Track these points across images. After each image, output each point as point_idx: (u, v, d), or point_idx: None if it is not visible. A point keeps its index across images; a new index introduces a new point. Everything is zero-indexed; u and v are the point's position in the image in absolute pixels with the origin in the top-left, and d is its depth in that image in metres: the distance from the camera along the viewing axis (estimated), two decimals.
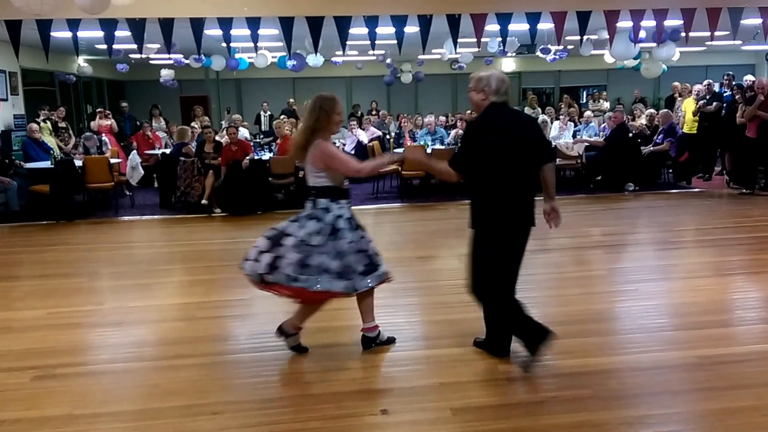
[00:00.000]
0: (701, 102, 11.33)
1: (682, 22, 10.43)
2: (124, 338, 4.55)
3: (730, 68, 13.92)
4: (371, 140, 12.74)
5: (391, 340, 4.23)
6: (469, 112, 14.88)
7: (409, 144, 10.84)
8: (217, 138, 10.53)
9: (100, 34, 9.60)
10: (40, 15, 6.79)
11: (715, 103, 11.15)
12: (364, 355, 4.07)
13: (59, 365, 4.05)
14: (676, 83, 13.88)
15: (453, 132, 12.30)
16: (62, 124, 12.18)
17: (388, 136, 14.32)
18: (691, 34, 10.55)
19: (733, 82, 11.45)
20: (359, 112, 16.80)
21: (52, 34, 9.26)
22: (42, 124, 11.34)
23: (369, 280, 3.93)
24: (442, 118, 13.73)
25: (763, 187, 10.11)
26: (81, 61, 16.71)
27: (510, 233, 3.78)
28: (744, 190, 10.11)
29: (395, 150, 11.72)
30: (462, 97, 21.90)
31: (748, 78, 10.96)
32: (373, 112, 16.84)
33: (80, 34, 9.59)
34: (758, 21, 10.84)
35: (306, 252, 3.78)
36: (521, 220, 3.82)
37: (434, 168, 4.08)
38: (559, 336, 4.15)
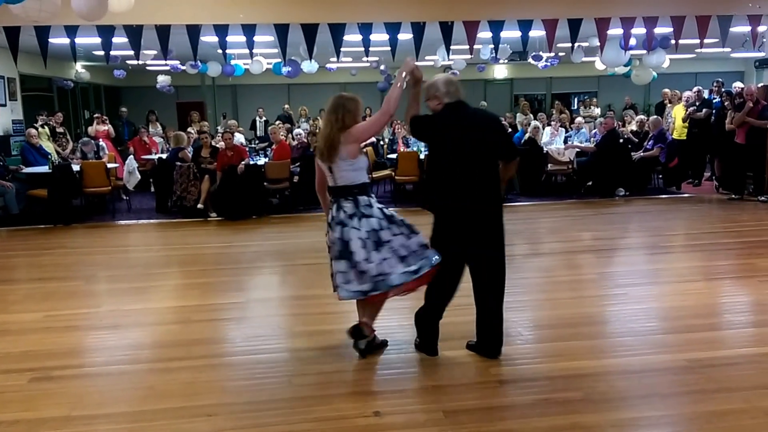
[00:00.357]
0: (691, 108, 11.43)
1: (672, 29, 10.54)
2: (120, 341, 4.58)
3: (720, 75, 14.07)
4: (365, 145, 12.78)
5: (383, 344, 4.25)
6: None
7: (402, 150, 10.90)
8: (213, 143, 10.58)
9: (97, 40, 9.65)
10: (38, 21, 6.83)
11: (704, 110, 11.26)
12: (356, 357, 4.09)
13: (56, 367, 4.08)
14: (666, 90, 14.02)
15: None
16: (60, 130, 12.21)
17: (381, 142, 14.38)
18: (680, 41, 10.67)
19: (723, 89, 11.56)
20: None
21: (50, 40, 9.31)
22: (40, 129, 11.37)
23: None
24: None
25: (751, 192, 10.20)
26: (79, 67, 16.74)
27: (451, 228, 3.90)
28: (733, 196, 10.20)
29: (389, 156, 11.79)
30: None
31: (737, 85, 11.08)
32: (368, 118, 16.88)
33: (78, 40, 9.64)
34: (747, 29, 10.96)
35: (391, 248, 3.81)
36: (466, 217, 3.85)
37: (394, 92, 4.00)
38: (550, 339, 4.22)
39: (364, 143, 3.95)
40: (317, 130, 14.35)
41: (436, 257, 3.87)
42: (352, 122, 3.86)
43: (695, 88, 11.89)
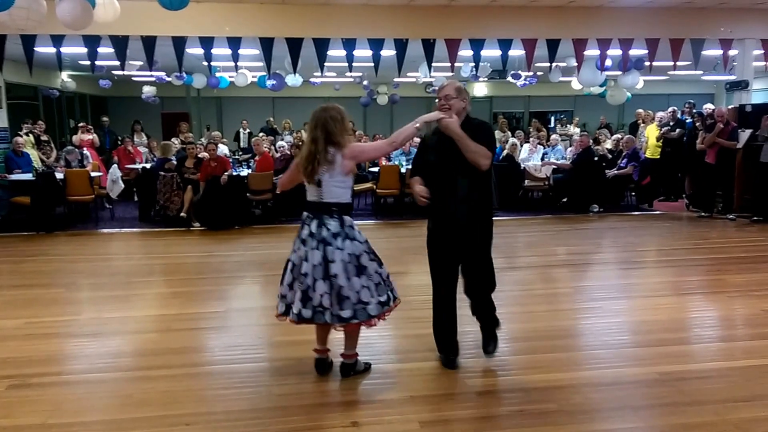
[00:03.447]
0: (665, 128, 11.65)
1: (646, 51, 10.84)
2: (100, 349, 4.58)
3: (691, 97, 14.38)
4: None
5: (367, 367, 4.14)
6: None
7: (384, 163, 10.98)
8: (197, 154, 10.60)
9: (83, 50, 9.68)
10: (24, 30, 6.86)
11: (678, 130, 11.48)
12: (336, 368, 4.10)
13: (35, 375, 4.07)
14: (640, 110, 14.29)
15: None
16: (44, 138, 12.18)
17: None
18: (654, 63, 10.97)
19: (694, 111, 11.80)
20: None
21: (36, 49, 9.33)
22: (25, 137, 11.34)
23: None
24: (417, 140, 13.91)
25: (720, 210, 10.41)
26: (64, 76, 16.73)
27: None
28: (703, 214, 10.42)
29: (370, 169, 11.86)
30: None
31: (708, 106, 11.34)
32: (368, 141, 16.99)
33: (64, 49, 9.67)
34: (719, 52, 11.28)
35: (369, 275, 3.74)
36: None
37: (468, 143, 3.80)
38: (525, 351, 4.27)
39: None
40: (300, 143, 14.41)
41: (395, 296, 3.90)
42: (343, 131, 3.73)
43: (670, 109, 12.13)
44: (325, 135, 3.69)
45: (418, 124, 3.88)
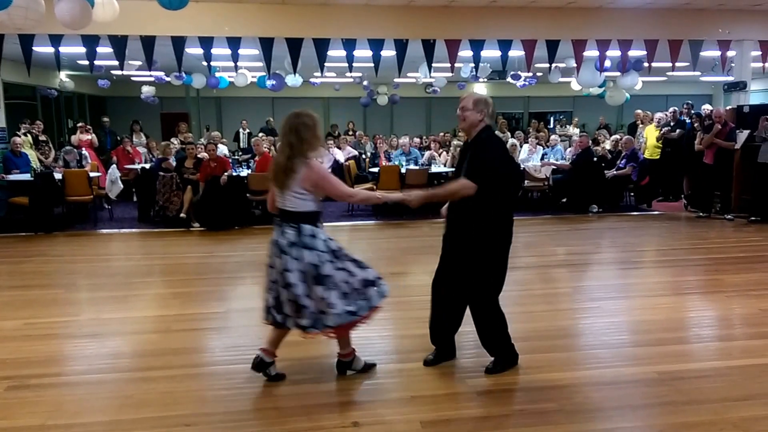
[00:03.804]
0: (665, 129, 11.67)
1: (645, 52, 10.87)
2: (99, 349, 4.58)
3: (689, 98, 14.42)
4: (347, 159, 12.90)
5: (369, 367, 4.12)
6: (442, 134, 15.15)
7: (384, 164, 11.00)
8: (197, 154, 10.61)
9: (82, 49, 9.68)
10: (23, 29, 6.86)
11: (678, 130, 11.50)
12: (335, 368, 4.11)
13: (34, 376, 4.07)
14: (639, 111, 14.30)
15: (427, 153, 12.50)
16: (42, 138, 12.17)
17: (364, 156, 14.49)
18: (653, 64, 11.02)
19: (692, 111, 11.83)
20: (336, 132, 16.96)
21: (34, 48, 9.32)
22: (23, 137, 11.34)
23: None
24: (417, 140, 13.97)
25: (718, 211, 10.43)
26: (63, 76, 16.72)
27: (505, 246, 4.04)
28: (701, 214, 10.43)
29: (370, 170, 11.89)
30: (436, 120, 22.29)
31: (706, 107, 11.37)
32: (350, 133, 17.02)
33: (62, 49, 9.66)
34: (716, 53, 11.31)
35: (334, 283, 3.66)
36: (510, 229, 4.04)
37: (443, 194, 3.95)
38: (525, 351, 4.28)
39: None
40: None
41: (378, 297, 3.81)
42: (313, 138, 3.69)
43: (671, 109, 12.15)
44: (297, 142, 3.65)
45: (380, 197, 4.12)
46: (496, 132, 15.20)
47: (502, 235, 3.95)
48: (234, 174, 9.95)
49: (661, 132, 11.73)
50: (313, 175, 3.66)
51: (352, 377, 4.02)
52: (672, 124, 11.72)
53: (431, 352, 4.25)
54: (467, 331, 4.40)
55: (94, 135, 13.22)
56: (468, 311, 4.13)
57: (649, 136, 12.06)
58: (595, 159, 11.53)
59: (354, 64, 10.39)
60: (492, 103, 4.01)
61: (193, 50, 10.45)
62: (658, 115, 12.30)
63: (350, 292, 3.72)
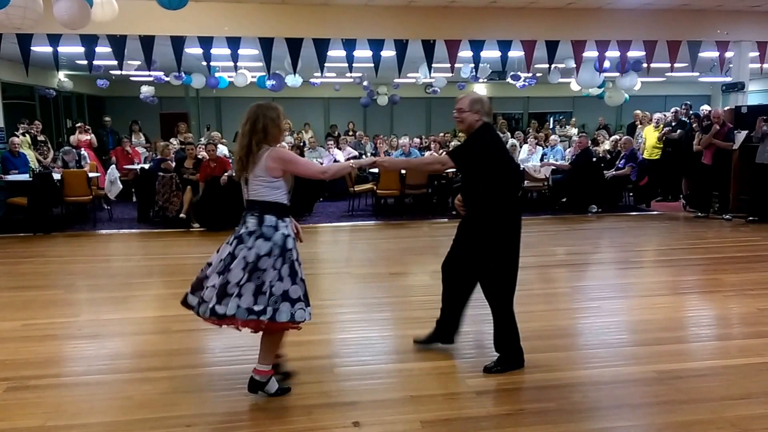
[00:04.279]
0: (666, 129, 11.69)
1: (644, 53, 10.88)
2: (98, 350, 4.58)
3: (688, 98, 14.43)
4: (347, 160, 12.89)
5: (285, 390, 3.80)
6: (442, 134, 15.17)
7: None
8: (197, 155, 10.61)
9: (80, 49, 9.66)
10: (21, 29, 6.84)
11: (679, 131, 11.51)
12: (337, 368, 4.14)
13: (33, 377, 4.06)
14: (638, 111, 14.35)
15: (427, 153, 12.51)
16: (41, 138, 12.17)
17: (364, 156, 14.49)
18: (652, 65, 11.05)
19: (690, 112, 11.85)
20: (336, 133, 16.97)
21: (32, 48, 9.30)
22: (21, 137, 11.33)
23: (309, 311, 3.62)
24: (417, 140, 13.99)
25: (716, 211, 10.45)
26: (61, 75, 16.70)
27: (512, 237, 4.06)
28: (699, 214, 10.46)
29: (371, 170, 11.89)
30: (435, 120, 22.30)
31: (705, 108, 11.38)
32: (350, 133, 17.03)
33: (61, 49, 9.65)
34: (715, 54, 11.34)
35: (258, 277, 3.48)
36: (516, 228, 4.05)
37: (415, 163, 4.34)
38: (525, 351, 4.28)
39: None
40: (301, 143, 14.43)
41: (287, 316, 3.49)
42: (276, 131, 3.65)
43: (673, 109, 12.17)
44: (255, 132, 3.62)
45: (353, 165, 4.09)
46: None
47: (508, 228, 3.99)
48: (234, 174, 9.94)
49: (663, 132, 11.74)
50: (281, 161, 3.59)
51: (351, 376, 4.02)
52: (673, 124, 11.74)
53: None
54: (467, 331, 4.42)
55: (93, 135, 13.22)
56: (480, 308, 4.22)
57: (648, 137, 12.08)
58: (594, 159, 11.55)
59: (354, 65, 10.39)
60: (488, 101, 4.08)
61: (193, 50, 10.45)
62: (657, 115, 12.33)
63: (264, 294, 3.49)
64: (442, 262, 4.29)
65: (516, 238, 4.01)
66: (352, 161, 4.12)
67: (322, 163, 12.70)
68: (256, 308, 3.47)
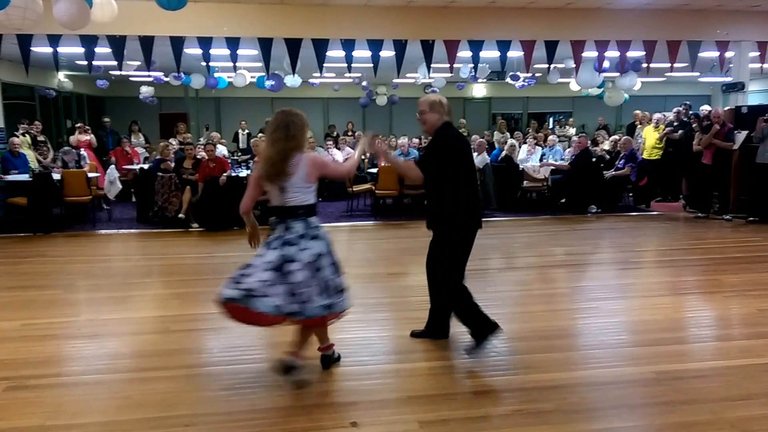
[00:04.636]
0: (668, 129, 11.68)
1: (644, 53, 10.88)
2: (98, 350, 4.58)
3: (688, 98, 14.40)
4: (346, 160, 12.90)
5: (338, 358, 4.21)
6: None
7: (382, 164, 11.00)
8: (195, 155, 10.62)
9: (80, 49, 9.66)
10: (21, 29, 6.84)
11: (680, 131, 11.51)
12: (335, 368, 4.14)
13: (32, 376, 4.07)
14: (638, 111, 14.32)
15: None
16: (41, 138, 12.18)
17: (363, 157, 14.49)
18: (652, 65, 11.05)
19: (690, 112, 11.84)
20: (335, 133, 16.97)
21: (32, 48, 9.30)
22: (21, 137, 11.34)
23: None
24: (416, 140, 14.00)
25: (716, 211, 10.44)
26: (61, 76, 16.71)
27: (462, 232, 4.28)
28: (699, 214, 10.45)
29: (369, 170, 11.92)
30: None
31: (705, 108, 11.37)
32: (349, 133, 17.03)
33: (61, 49, 9.65)
34: (715, 54, 11.33)
35: (321, 275, 3.71)
36: (473, 221, 4.30)
37: (397, 163, 4.57)
38: (523, 351, 4.29)
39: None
40: None
41: (344, 305, 3.85)
42: (304, 137, 3.79)
43: (675, 109, 12.14)
44: (289, 139, 3.70)
45: (356, 158, 4.18)
46: (496, 132, 15.18)
47: (463, 221, 4.23)
48: (233, 174, 9.95)
49: (664, 132, 11.73)
50: (317, 164, 3.79)
51: (350, 377, 4.02)
52: (675, 124, 11.73)
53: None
54: (464, 332, 4.41)
55: (92, 135, 13.23)
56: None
57: (648, 137, 12.06)
58: (593, 159, 11.55)
59: (353, 65, 10.40)
60: (447, 102, 4.36)
61: (192, 50, 10.45)
62: (657, 115, 12.31)
63: (328, 289, 3.75)
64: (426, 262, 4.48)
65: (469, 232, 4.26)
66: (355, 155, 4.19)
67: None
68: (326, 303, 3.72)
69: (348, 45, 10.05)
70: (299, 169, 3.70)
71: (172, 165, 9.96)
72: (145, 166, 11.21)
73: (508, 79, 15.56)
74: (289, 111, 3.79)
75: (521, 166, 11.58)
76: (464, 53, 10.93)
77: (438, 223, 4.29)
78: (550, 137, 13.54)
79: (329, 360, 4.11)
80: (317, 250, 3.73)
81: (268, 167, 3.75)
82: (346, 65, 10.37)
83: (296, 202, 3.74)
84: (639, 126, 13.51)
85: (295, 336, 3.93)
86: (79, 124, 14.01)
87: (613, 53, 11.08)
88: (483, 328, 4.23)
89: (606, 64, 11.41)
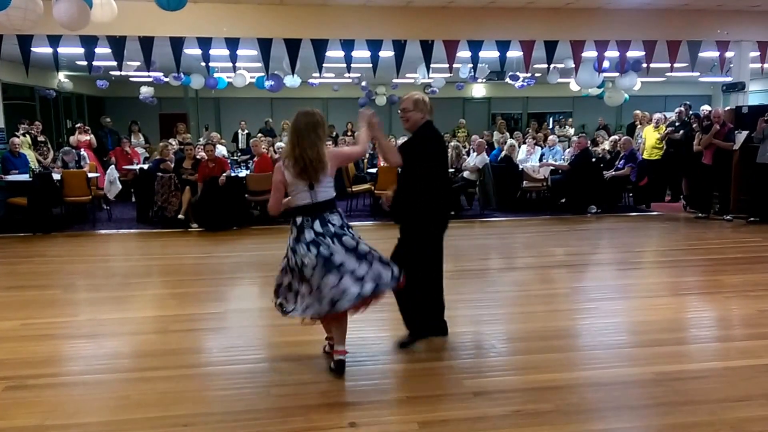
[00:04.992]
0: (669, 129, 11.67)
1: (643, 53, 10.86)
2: (97, 350, 4.58)
3: (688, 98, 14.40)
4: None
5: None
6: (445, 134, 15.17)
7: (382, 164, 11.01)
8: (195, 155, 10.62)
9: (80, 50, 9.67)
10: (21, 30, 6.85)
11: (681, 131, 11.49)
12: (333, 368, 4.10)
13: (31, 376, 4.07)
14: (638, 111, 14.31)
15: None
16: (41, 138, 12.20)
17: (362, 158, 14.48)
18: (652, 65, 11.03)
19: (690, 112, 11.84)
20: (334, 133, 16.98)
21: (32, 49, 9.31)
22: (21, 137, 11.36)
23: None
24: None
25: (717, 212, 10.42)
26: (61, 76, 16.72)
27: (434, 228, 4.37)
28: (699, 215, 10.43)
29: (368, 170, 11.93)
30: (436, 121, 22.33)
31: (705, 108, 11.35)
32: (348, 133, 17.03)
33: (61, 50, 9.65)
34: (715, 54, 11.32)
35: (367, 259, 3.90)
36: (443, 218, 4.46)
37: (382, 140, 4.51)
38: (523, 351, 4.29)
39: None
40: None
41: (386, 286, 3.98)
42: (325, 136, 3.95)
43: (677, 110, 12.12)
44: (321, 138, 3.85)
45: (364, 136, 4.25)
46: (495, 132, 15.19)
47: (432, 213, 4.31)
48: (232, 174, 9.96)
49: (665, 132, 11.72)
50: (336, 157, 4.00)
51: (348, 377, 4.01)
52: (677, 124, 11.72)
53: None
54: (463, 332, 4.42)
55: (92, 136, 13.25)
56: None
57: (648, 137, 12.05)
58: (593, 160, 11.53)
59: (352, 65, 10.39)
60: (429, 101, 4.45)
61: (192, 51, 10.45)
62: (657, 115, 12.30)
63: (365, 274, 3.88)
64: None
65: (441, 228, 4.37)
66: (362, 133, 4.26)
67: None
68: (364, 290, 3.85)
69: (347, 45, 10.05)
70: (327, 167, 3.86)
71: (172, 165, 9.97)
72: (145, 167, 11.22)
73: (507, 79, 15.56)
74: (311, 112, 3.88)
75: (521, 167, 11.57)
76: (463, 53, 10.92)
77: (410, 219, 4.33)
78: (551, 137, 13.53)
79: (343, 365, 4.04)
80: (357, 236, 3.94)
81: (309, 170, 3.81)
82: (345, 65, 10.37)
83: (327, 196, 3.89)
84: (639, 126, 13.50)
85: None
86: (79, 125, 14.02)
87: (612, 53, 11.07)
88: (427, 329, 4.38)
89: (606, 64, 11.40)
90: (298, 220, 3.87)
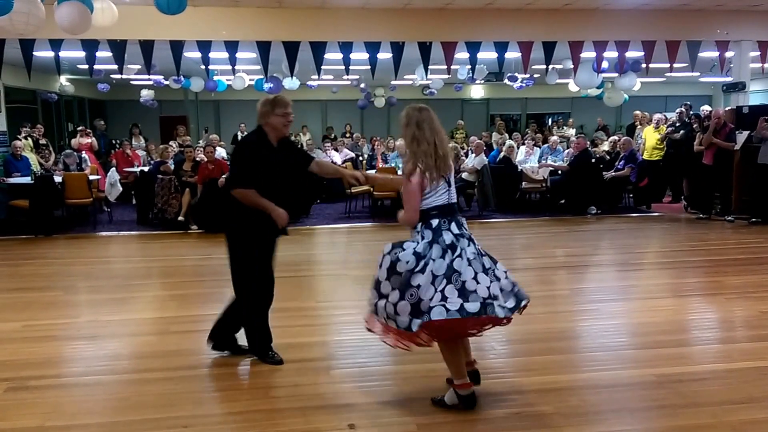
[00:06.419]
0: (669, 129, 11.66)
1: (643, 53, 10.85)
2: (97, 351, 4.58)
3: (688, 99, 14.37)
4: (344, 161, 12.94)
5: None
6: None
7: (380, 165, 11.04)
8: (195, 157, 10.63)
9: (81, 54, 9.69)
10: (24, 34, 6.88)
11: (681, 131, 11.48)
12: (333, 370, 4.14)
13: (32, 377, 4.07)
14: (637, 112, 14.28)
15: None
16: (43, 141, 12.24)
17: (361, 158, 14.51)
18: (651, 65, 11.01)
19: (690, 112, 11.82)
20: (333, 135, 17.00)
21: (34, 53, 9.34)
22: (23, 140, 11.39)
23: None
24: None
25: (718, 212, 10.39)
26: (63, 80, 16.76)
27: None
28: (701, 215, 10.40)
29: (368, 171, 11.94)
30: None
31: (705, 108, 11.35)
32: (347, 135, 17.05)
33: (62, 53, 9.69)
34: (715, 54, 11.30)
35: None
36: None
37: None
38: (523, 353, 4.28)
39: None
40: (299, 146, 14.44)
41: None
42: None
43: (677, 110, 12.12)
44: (443, 134, 3.58)
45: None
46: (494, 133, 15.23)
47: (250, 224, 4.25)
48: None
49: (666, 132, 11.71)
50: None
51: (347, 379, 4.00)
52: (678, 125, 11.70)
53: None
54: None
55: (93, 138, 13.30)
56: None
57: (648, 137, 12.04)
58: (593, 160, 11.52)
59: (351, 67, 10.40)
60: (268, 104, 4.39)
61: (192, 54, 10.48)
62: (657, 116, 12.28)
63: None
64: None
65: (266, 233, 4.26)
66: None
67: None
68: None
69: (346, 47, 10.06)
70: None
71: (172, 167, 9.98)
72: (145, 169, 11.24)
73: (506, 80, 15.55)
74: (426, 108, 3.56)
75: (520, 167, 11.57)
76: (462, 55, 10.91)
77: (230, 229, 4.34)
78: (552, 138, 13.51)
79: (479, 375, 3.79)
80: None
81: (444, 166, 3.51)
82: (343, 67, 10.38)
83: (455, 198, 3.62)
84: (639, 126, 13.48)
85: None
86: (80, 128, 14.04)
87: (611, 53, 11.06)
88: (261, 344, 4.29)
89: (605, 64, 11.39)
90: (435, 222, 3.51)
